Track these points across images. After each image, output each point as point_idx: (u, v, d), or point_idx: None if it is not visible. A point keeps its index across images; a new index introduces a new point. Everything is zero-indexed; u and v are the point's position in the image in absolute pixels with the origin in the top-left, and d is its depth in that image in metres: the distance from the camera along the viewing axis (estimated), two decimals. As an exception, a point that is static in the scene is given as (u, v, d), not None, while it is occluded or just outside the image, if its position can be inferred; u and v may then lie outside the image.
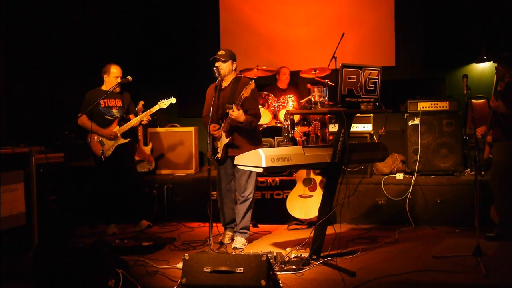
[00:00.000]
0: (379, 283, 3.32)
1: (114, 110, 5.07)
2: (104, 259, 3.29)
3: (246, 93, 4.06)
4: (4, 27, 5.38)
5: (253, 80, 4.20)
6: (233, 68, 4.40)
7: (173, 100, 5.09)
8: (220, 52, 4.33)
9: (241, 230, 4.42)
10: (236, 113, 4.08)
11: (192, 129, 6.35)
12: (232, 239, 4.53)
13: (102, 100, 4.98)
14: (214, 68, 4.21)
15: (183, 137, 6.33)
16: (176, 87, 7.62)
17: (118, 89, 5.06)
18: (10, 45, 5.49)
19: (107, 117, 5.02)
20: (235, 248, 4.30)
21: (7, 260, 3.94)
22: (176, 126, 6.68)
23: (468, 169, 5.53)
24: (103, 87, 5.07)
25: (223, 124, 4.31)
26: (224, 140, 4.32)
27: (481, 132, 4.59)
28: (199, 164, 6.51)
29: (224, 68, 4.31)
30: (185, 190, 5.76)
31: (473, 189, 4.68)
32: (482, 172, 5.13)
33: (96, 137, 5.01)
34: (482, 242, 3.76)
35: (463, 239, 4.42)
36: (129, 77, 5.00)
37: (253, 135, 4.42)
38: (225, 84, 4.40)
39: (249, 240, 4.54)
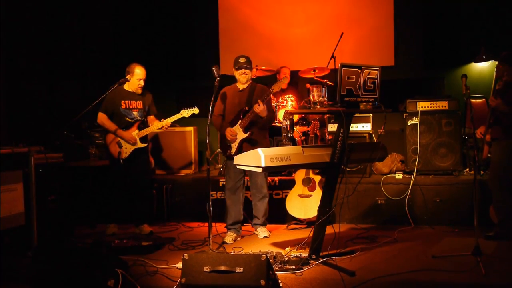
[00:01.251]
0: (378, 282, 3.32)
1: (135, 113, 4.97)
2: (104, 259, 3.28)
3: (277, 88, 4.47)
4: (4, 28, 5.39)
5: (285, 77, 4.69)
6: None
7: (196, 110, 4.96)
8: (242, 59, 4.64)
9: (264, 223, 4.80)
10: (262, 107, 4.38)
11: (191, 129, 6.35)
12: (235, 240, 4.63)
13: (123, 101, 4.92)
14: (213, 69, 4.22)
15: (182, 137, 6.32)
16: (175, 87, 7.65)
17: (140, 90, 4.96)
18: (10, 45, 5.49)
19: (127, 119, 4.94)
20: (265, 237, 4.68)
21: (6, 260, 3.94)
22: (175, 126, 6.67)
23: (467, 169, 5.54)
24: (125, 87, 4.96)
25: (241, 121, 4.56)
26: (242, 135, 4.56)
27: (481, 131, 4.60)
28: (198, 164, 6.50)
29: (248, 74, 4.66)
30: (185, 190, 5.76)
31: (472, 188, 4.68)
32: (481, 172, 5.13)
33: (114, 137, 4.92)
34: (481, 242, 3.77)
35: (462, 239, 4.43)
36: (128, 77, 4.96)
37: (266, 133, 4.77)
38: (242, 87, 4.71)
39: (248, 240, 4.55)
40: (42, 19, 5.99)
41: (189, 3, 7.70)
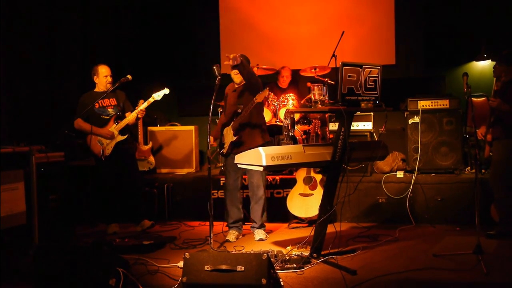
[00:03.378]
0: (379, 281, 3.32)
1: (110, 109, 5.06)
2: (105, 258, 3.29)
3: (260, 99, 4.30)
4: (4, 27, 5.38)
5: (267, 89, 4.42)
6: None
7: (166, 90, 5.05)
8: None
9: (261, 226, 4.68)
10: (232, 56, 4.07)
11: (192, 128, 6.36)
12: (237, 238, 4.64)
13: (96, 102, 4.97)
14: (214, 68, 4.22)
15: (183, 136, 6.33)
16: (176, 86, 7.62)
17: (110, 86, 5.05)
18: (10, 45, 5.48)
19: (103, 117, 5.01)
20: (261, 239, 4.55)
21: (7, 260, 3.94)
22: (176, 125, 6.68)
23: (469, 167, 5.52)
24: (96, 89, 5.09)
25: (232, 123, 4.53)
26: (232, 138, 4.52)
27: (482, 132, 4.60)
28: (200, 162, 6.51)
29: None
30: (186, 189, 5.77)
31: (474, 187, 4.68)
32: (483, 170, 5.13)
33: (95, 137, 4.98)
34: (483, 240, 3.77)
35: (464, 237, 4.42)
36: (128, 76, 4.99)
37: (256, 134, 4.56)
38: (237, 86, 4.65)
39: (250, 239, 4.57)
40: (43, 19, 5.98)
41: (190, 3, 7.70)
